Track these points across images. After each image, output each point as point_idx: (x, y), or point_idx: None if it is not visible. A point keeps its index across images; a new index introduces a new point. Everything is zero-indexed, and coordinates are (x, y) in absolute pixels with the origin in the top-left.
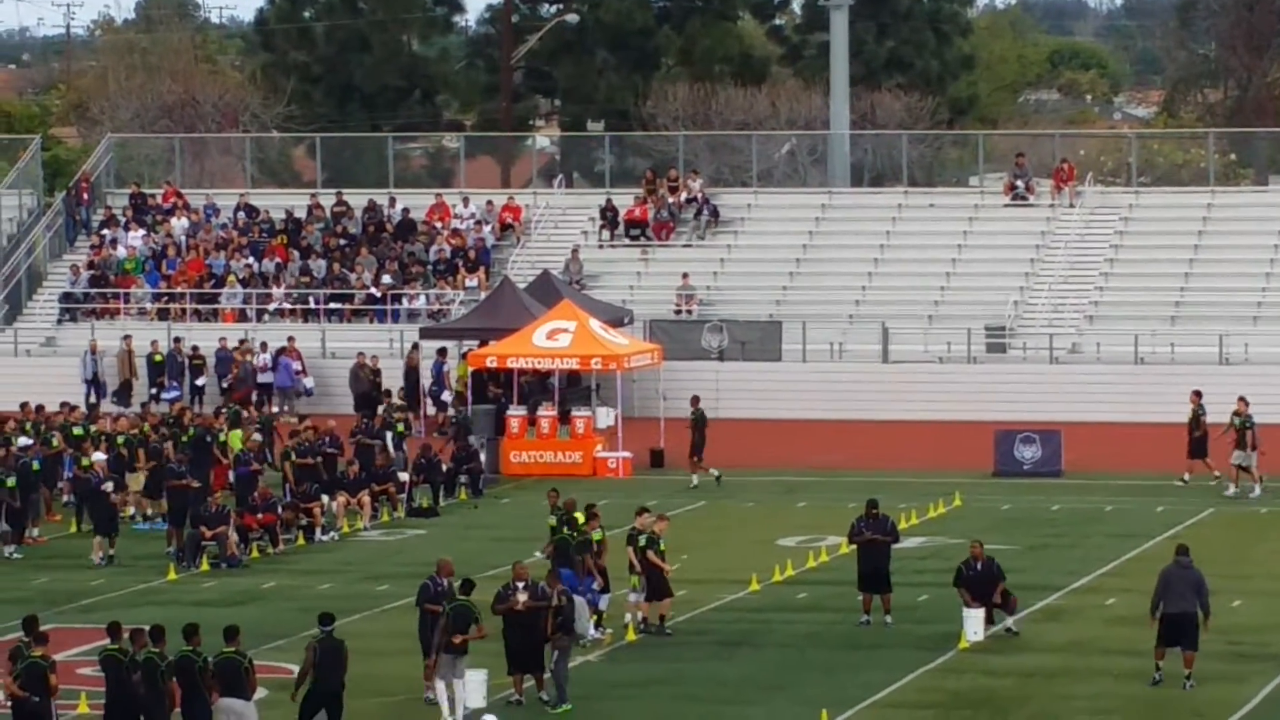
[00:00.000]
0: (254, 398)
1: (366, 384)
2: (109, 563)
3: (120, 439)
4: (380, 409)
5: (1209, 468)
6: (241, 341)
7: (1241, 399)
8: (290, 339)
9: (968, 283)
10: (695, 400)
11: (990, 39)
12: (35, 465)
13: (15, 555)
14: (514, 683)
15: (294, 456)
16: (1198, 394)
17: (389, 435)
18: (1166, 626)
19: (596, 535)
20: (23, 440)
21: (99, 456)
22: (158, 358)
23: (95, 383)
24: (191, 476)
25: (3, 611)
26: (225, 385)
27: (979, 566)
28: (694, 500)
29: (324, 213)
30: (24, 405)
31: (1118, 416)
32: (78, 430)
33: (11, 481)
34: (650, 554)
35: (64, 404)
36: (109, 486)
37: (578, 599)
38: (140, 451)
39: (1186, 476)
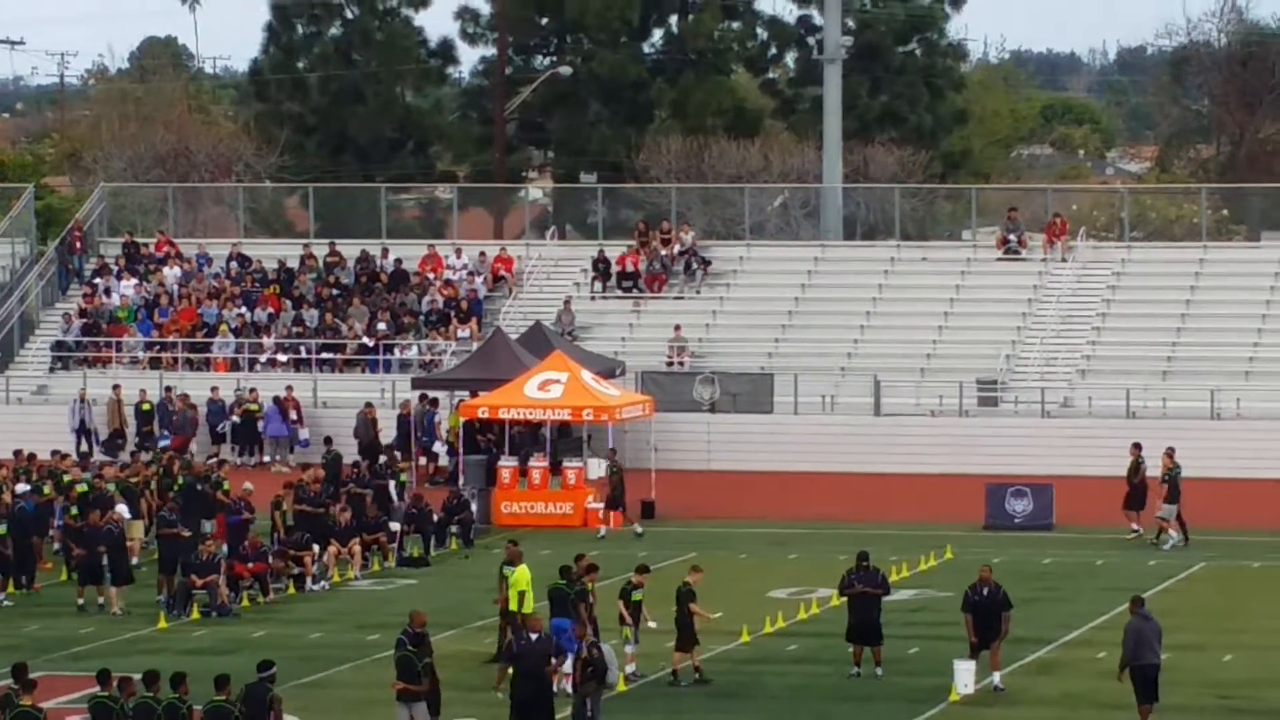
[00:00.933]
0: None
1: (370, 435)
2: (99, 611)
3: (113, 486)
4: (382, 459)
5: (1135, 519)
6: (252, 391)
7: (1168, 451)
8: (288, 388)
9: (960, 336)
10: (612, 453)
11: (983, 93)
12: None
13: (6, 602)
14: None
15: (283, 506)
16: (1138, 446)
17: (392, 484)
18: (1136, 680)
19: (588, 585)
20: (20, 487)
21: (122, 508)
22: (146, 407)
23: (84, 431)
24: (182, 525)
25: None
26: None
27: (985, 592)
28: (685, 551)
29: (317, 263)
30: (17, 453)
31: (1109, 470)
32: (67, 478)
33: (3, 529)
34: (692, 605)
35: (55, 452)
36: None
37: (606, 647)
38: (142, 499)
39: (1136, 527)
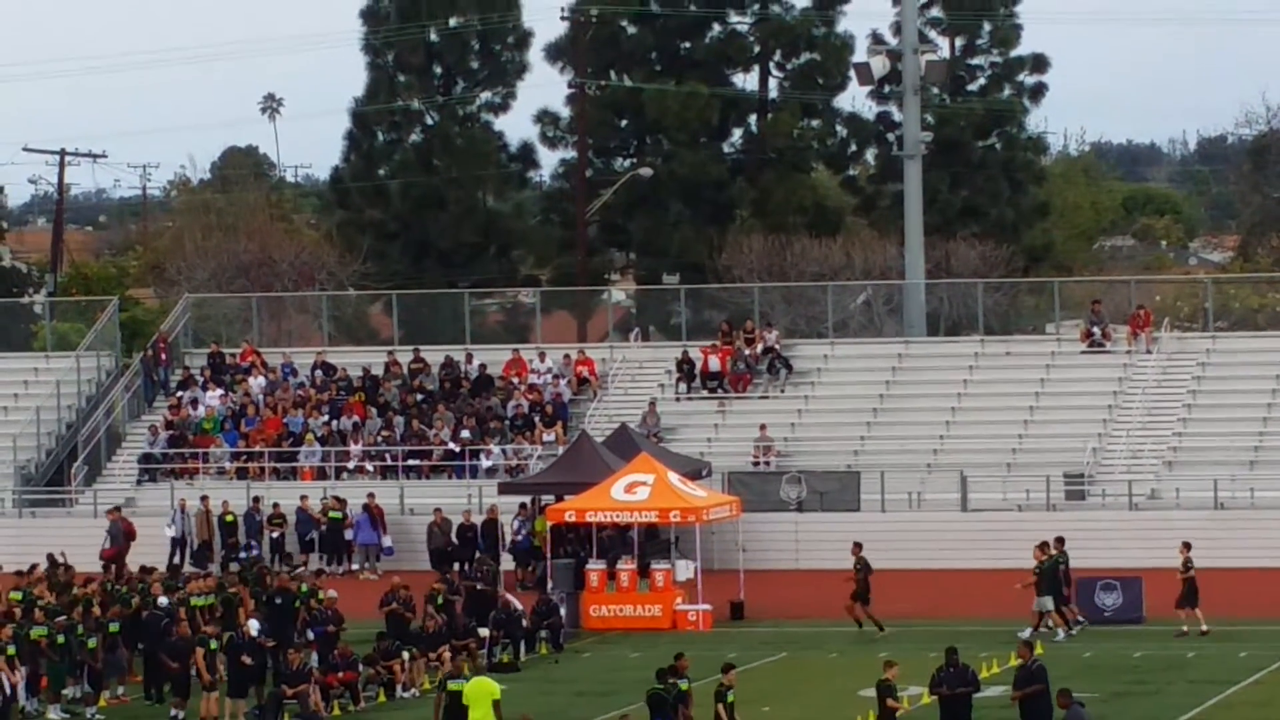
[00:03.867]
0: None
1: (442, 540)
2: None
3: (204, 599)
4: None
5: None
6: (337, 499)
7: (1059, 540)
8: (370, 495)
9: (1046, 430)
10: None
11: (1064, 186)
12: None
13: (97, 717)
14: None
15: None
16: (1187, 545)
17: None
18: None
19: (684, 686)
20: (162, 600)
21: (254, 624)
22: (229, 518)
23: (183, 542)
24: (269, 636)
25: None
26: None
27: (1034, 665)
28: (775, 652)
29: (401, 369)
30: (106, 567)
31: (1198, 562)
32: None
33: (93, 643)
34: (720, 706)
35: (143, 567)
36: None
37: None
38: (241, 610)
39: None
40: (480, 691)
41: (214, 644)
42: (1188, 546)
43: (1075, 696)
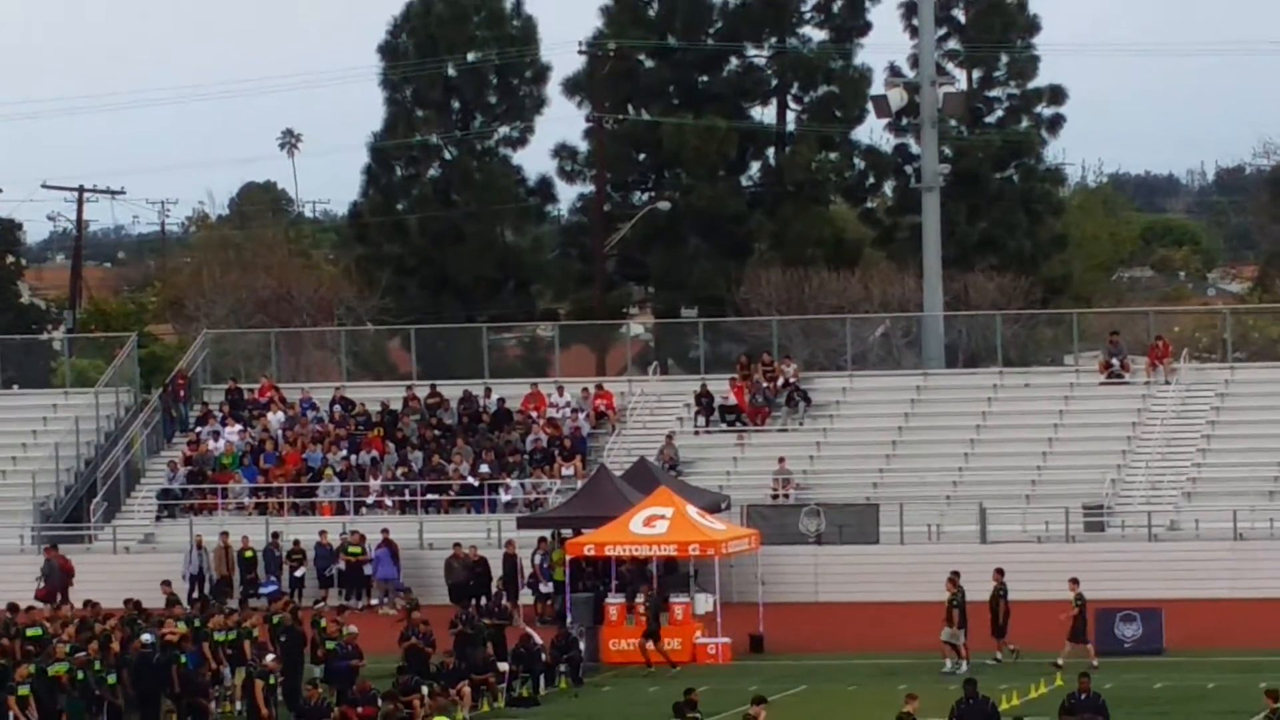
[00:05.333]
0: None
1: (461, 575)
2: None
3: (225, 635)
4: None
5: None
6: (355, 534)
7: (952, 577)
8: (384, 531)
9: (1065, 461)
10: (1074, 584)
11: (1082, 217)
12: (183, 660)
13: None
14: None
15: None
16: (1000, 571)
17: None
18: None
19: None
20: (146, 636)
21: (269, 658)
22: (249, 554)
23: (200, 579)
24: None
25: None
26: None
27: (1083, 697)
28: (795, 684)
29: (419, 404)
30: (127, 602)
31: (1218, 593)
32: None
33: (112, 679)
34: None
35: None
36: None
37: None
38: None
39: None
40: None
41: (273, 679)
42: (1076, 582)
43: None
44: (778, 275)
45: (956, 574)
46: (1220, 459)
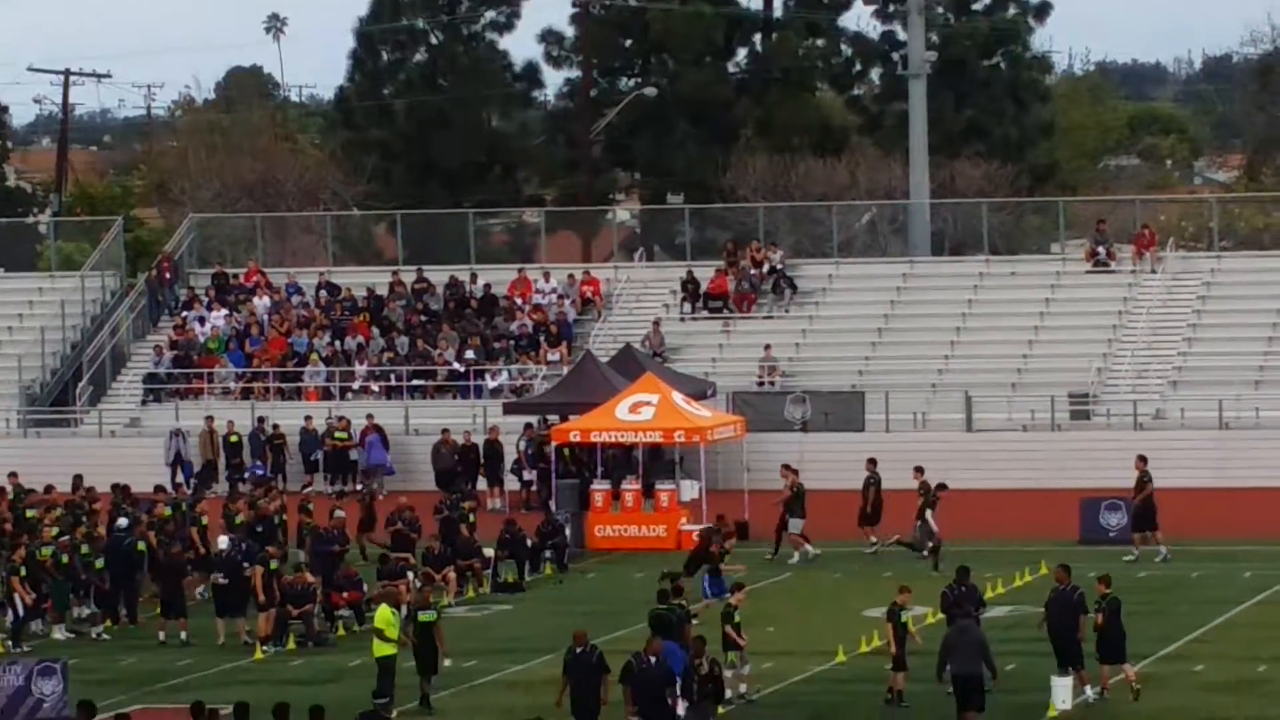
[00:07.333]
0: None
1: (449, 461)
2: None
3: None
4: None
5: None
6: (341, 419)
7: (785, 466)
8: (369, 417)
9: (1050, 350)
10: (871, 463)
11: (1069, 105)
12: (140, 546)
13: (104, 636)
14: None
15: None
16: (872, 461)
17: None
18: (957, 687)
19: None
20: (121, 521)
21: (223, 540)
22: (234, 438)
23: (179, 464)
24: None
25: (92, 692)
26: None
27: (1061, 590)
28: (780, 572)
29: (406, 290)
30: (114, 486)
31: (1203, 482)
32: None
33: (100, 563)
34: (893, 626)
35: (158, 487)
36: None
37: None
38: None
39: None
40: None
41: (274, 564)
42: (921, 470)
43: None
44: (764, 162)
45: (788, 465)
46: (1206, 348)
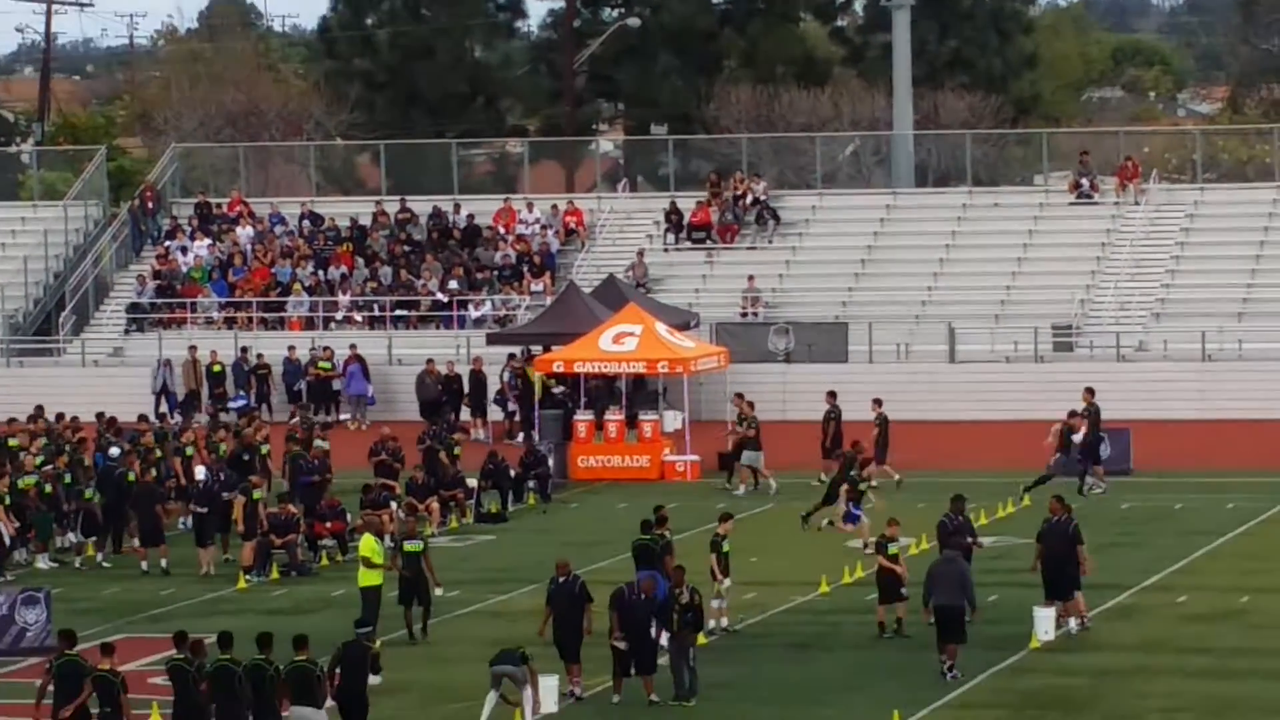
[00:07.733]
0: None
1: (433, 391)
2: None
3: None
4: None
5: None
6: (325, 349)
7: (737, 396)
8: (352, 346)
9: (1033, 282)
10: (740, 399)
11: (1053, 37)
12: (130, 476)
13: (105, 564)
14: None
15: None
16: (832, 394)
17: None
18: (938, 619)
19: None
20: (114, 450)
21: (200, 470)
22: (216, 368)
23: (165, 394)
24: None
25: (75, 621)
26: None
27: (1055, 520)
28: (763, 504)
29: (389, 220)
30: (99, 415)
31: (1186, 414)
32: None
33: (89, 493)
34: (883, 558)
35: (141, 416)
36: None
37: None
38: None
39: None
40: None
41: (257, 494)
42: (879, 403)
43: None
44: (748, 93)
45: (740, 395)
46: (1189, 280)
